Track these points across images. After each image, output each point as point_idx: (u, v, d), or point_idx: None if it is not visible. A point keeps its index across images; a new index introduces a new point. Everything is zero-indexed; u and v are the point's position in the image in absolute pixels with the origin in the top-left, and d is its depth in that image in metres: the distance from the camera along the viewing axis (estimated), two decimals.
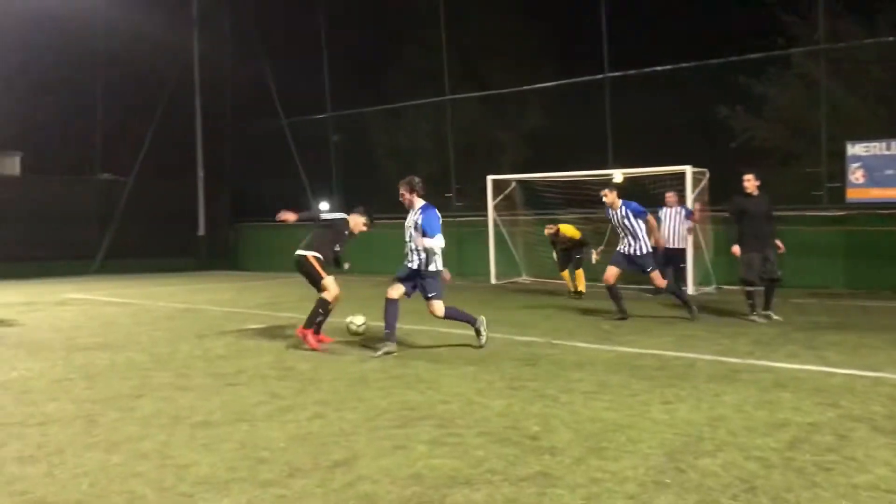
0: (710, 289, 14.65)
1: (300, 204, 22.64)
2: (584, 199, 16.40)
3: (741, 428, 5.11)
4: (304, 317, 8.74)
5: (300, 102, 23.42)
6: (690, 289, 14.26)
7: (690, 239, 14.11)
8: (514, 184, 17.64)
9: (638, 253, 10.59)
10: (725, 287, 14.48)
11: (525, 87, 19.87)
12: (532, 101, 21.07)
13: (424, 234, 7.98)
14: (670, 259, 13.97)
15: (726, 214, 14.54)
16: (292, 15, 23.59)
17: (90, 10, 22.24)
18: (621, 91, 17.42)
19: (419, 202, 8.22)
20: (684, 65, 16.49)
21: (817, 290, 14.08)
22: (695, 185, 14.50)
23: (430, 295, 8.14)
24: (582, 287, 13.87)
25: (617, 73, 17.47)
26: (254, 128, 25.01)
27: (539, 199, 17.30)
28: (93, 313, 12.40)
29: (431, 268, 8.06)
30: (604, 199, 10.76)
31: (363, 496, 3.96)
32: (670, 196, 13.98)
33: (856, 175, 14.43)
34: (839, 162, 14.77)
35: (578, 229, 14.28)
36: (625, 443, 4.81)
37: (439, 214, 8.19)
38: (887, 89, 15.59)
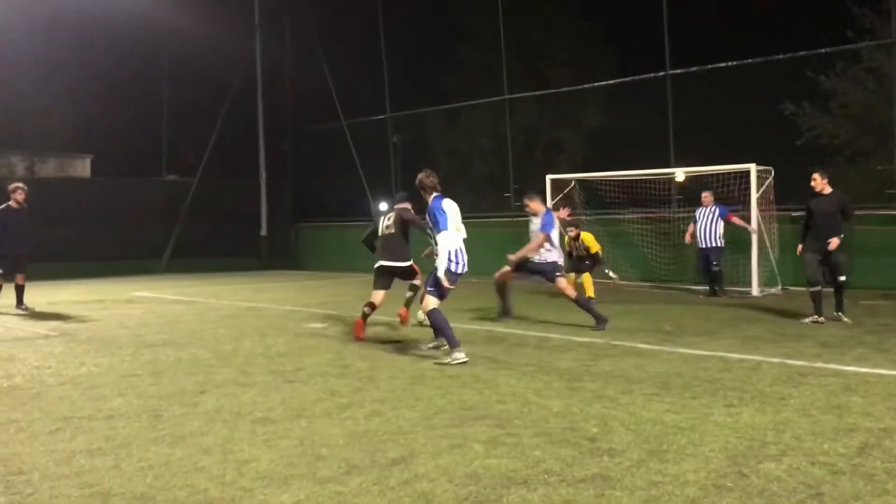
0: (776, 290, 14.29)
1: (360, 205, 22.99)
2: (646, 198, 16.22)
3: (807, 433, 4.97)
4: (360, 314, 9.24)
5: (360, 103, 23.66)
6: (755, 290, 13.94)
7: (755, 238, 13.84)
8: (573, 183, 17.49)
9: (546, 260, 10.04)
10: (791, 288, 14.11)
11: (584, 86, 19.68)
12: (591, 99, 20.88)
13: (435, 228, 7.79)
14: (705, 259, 13.88)
15: (792, 214, 14.25)
16: (351, 17, 23.84)
17: (155, 17, 22.86)
18: (683, 88, 17.12)
19: (431, 196, 8.02)
20: (748, 60, 16.12)
21: (889, 291, 13.61)
22: (759, 184, 14.16)
23: (428, 288, 7.92)
24: (591, 293, 13.48)
25: (679, 70, 17.17)
26: (314, 129, 25.36)
27: (599, 199, 17.13)
28: (159, 311, 12.72)
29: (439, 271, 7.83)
30: (526, 208, 10.40)
31: (419, 495, 3.97)
32: (705, 196, 13.98)
33: None
34: None
35: (599, 240, 13.90)
36: (686, 445, 4.71)
37: (445, 205, 7.82)
38: None
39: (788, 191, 14.65)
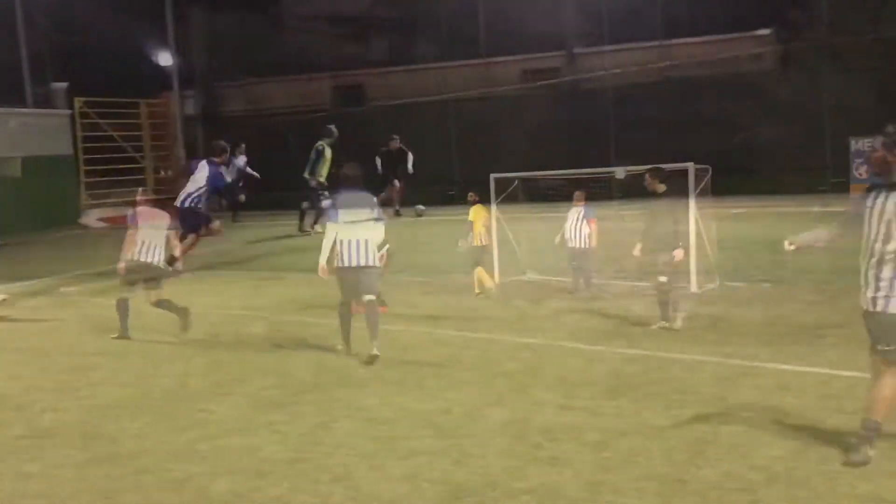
0: (713, 285, 14.53)
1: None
2: (589, 195, 16.41)
3: (744, 436, 5.07)
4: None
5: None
6: (693, 286, 14.15)
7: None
8: (516, 182, 17.55)
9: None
10: (729, 284, 14.36)
11: (528, 85, 19.80)
12: (535, 98, 21.03)
13: None
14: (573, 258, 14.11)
15: (732, 211, 14.55)
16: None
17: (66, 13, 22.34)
18: (624, 89, 17.37)
19: None
20: (687, 60, 16.43)
21: (824, 286, 13.95)
22: (697, 183, 14.39)
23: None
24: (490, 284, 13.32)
25: (618, 70, 17.40)
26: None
27: (543, 196, 17.23)
28: (94, 315, 12.33)
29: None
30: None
31: None
32: (576, 195, 14.18)
33: (860, 171, 14.35)
34: (845, 156, 14.70)
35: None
36: (627, 452, 4.77)
37: (340, 199, 7.87)
38: (890, 85, 15.47)
39: (724, 189, 14.92)
